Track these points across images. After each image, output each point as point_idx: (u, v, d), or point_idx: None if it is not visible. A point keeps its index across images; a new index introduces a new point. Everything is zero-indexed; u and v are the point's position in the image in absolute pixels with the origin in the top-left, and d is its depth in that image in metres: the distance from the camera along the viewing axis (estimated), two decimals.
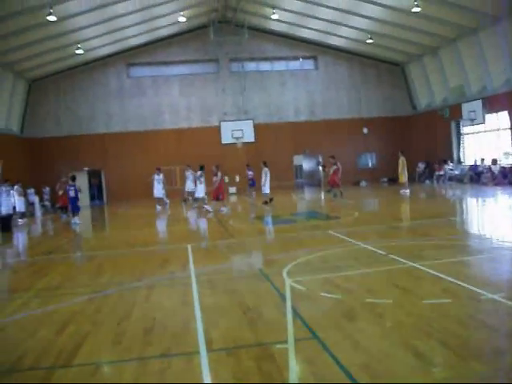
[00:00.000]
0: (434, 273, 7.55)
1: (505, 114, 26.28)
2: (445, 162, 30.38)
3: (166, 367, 4.69)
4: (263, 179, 22.69)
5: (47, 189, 29.57)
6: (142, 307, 6.95)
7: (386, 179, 34.55)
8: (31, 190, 27.56)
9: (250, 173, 25.73)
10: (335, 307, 6.29)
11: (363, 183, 34.28)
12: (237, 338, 5.26)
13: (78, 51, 28.98)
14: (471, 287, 6.60)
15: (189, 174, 25.44)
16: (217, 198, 20.57)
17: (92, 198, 33.41)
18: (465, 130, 30.81)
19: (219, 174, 20.65)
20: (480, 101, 27.16)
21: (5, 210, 20.54)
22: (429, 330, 5.17)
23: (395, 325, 5.48)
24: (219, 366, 4.61)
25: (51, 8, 22.45)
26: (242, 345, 5.06)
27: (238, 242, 12.38)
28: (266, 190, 22.63)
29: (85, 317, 6.64)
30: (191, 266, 9.58)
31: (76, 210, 19.48)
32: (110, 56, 33.20)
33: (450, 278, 7.13)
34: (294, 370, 4.41)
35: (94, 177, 33.72)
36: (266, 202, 22.31)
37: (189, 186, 25.20)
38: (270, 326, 5.49)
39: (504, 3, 23.10)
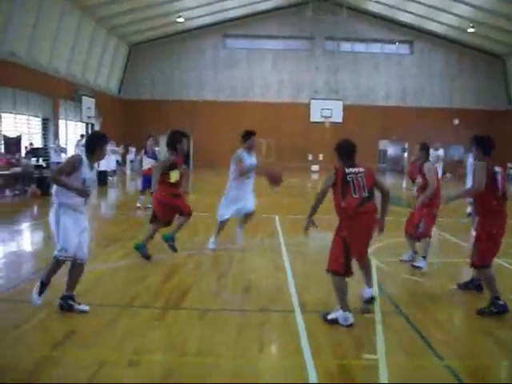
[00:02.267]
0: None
1: None
2: None
3: (265, 320, 5.29)
4: None
5: (133, 149, 30.37)
6: (238, 267, 7.60)
7: None
8: (132, 149, 28.42)
9: None
10: (418, 289, 6.67)
11: (447, 176, 33.65)
12: (327, 303, 5.75)
13: (178, 19, 29.94)
14: None
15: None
16: None
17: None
18: None
19: None
20: None
21: (104, 166, 21.14)
22: (509, 322, 5.47)
23: (474, 312, 5.78)
24: (313, 326, 5.14)
25: None
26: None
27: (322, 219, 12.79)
28: None
29: (187, 270, 7.36)
30: (280, 234, 10.19)
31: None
32: (207, 26, 34.04)
33: None
34: (381, 337, 4.87)
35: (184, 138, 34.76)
36: None
37: None
38: (356, 297, 5.93)
39: None
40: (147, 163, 13.06)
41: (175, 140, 7.76)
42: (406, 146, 33.46)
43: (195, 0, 28.90)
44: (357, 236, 5.31)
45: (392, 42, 34.79)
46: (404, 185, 24.56)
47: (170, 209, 7.68)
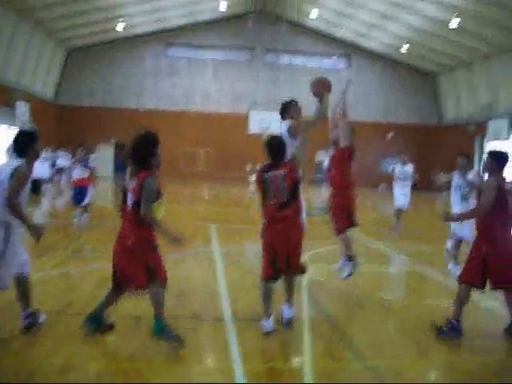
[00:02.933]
0: (438, 276, 8.20)
1: None
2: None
3: (197, 326, 5.42)
4: None
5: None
6: (171, 275, 7.66)
7: None
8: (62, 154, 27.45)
9: None
10: (348, 299, 6.96)
11: (382, 187, 34.64)
12: (259, 312, 5.91)
13: (119, 26, 29.71)
14: None
15: None
16: None
17: (116, 169, 34.20)
18: (488, 146, 31.07)
19: None
20: (507, 119, 27.51)
21: (37, 174, 20.43)
22: (428, 325, 5.82)
23: (400, 318, 6.12)
24: (243, 333, 5.30)
25: None
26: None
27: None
28: None
29: None
30: (215, 243, 10.33)
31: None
32: (149, 34, 33.90)
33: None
34: (309, 343, 5.09)
35: (121, 149, 34.47)
36: None
37: None
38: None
39: None
40: (78, 174, 11.93)
41: (147, 151, 5.15)
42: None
43: (137, 7, 28.77)
44: (277, 244, 5.18)
45: (330, 56, 35.71)
46: None
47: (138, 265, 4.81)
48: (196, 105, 34.57)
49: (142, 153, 5.06)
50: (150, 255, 4.80)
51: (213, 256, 9.18)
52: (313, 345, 5.05)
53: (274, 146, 5.29)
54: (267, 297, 5.30)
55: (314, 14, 30.45)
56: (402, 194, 13.20)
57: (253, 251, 9.39)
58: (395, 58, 35.28)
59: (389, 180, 34.07)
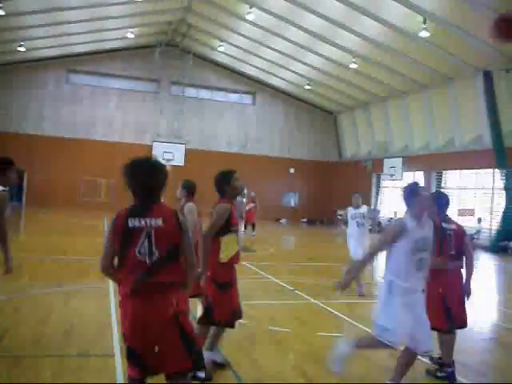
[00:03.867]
0: (331, 310, 8.44)
1: (420, 174, 28.24)
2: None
3: (84, 365, 5.19)
4: None
5: None
6: (60, 311, 7.36)
7: (305, 219, 35.91)
8: None
9: None
10: (239, 330, 6.96)
11: (283, 221, 35.41)
12: None
13: (20, 48, 28.66)
14: (362, 326, 7.44)
15: None
16: None
17: (10, 197, 32.56)
18: (384, 183, 32.66)
19: None
20: (400, 158, 29.14)
21: None
22: (318, 357, 5.94)
23: (290, 351, 6.23)
24: None
25: (1, 2, 22.37)
26: None
27: None
28: None
29: (5, 315, 6.94)
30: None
31: None
32: (51, 58, 32.91)
33: (344, 316, 8.03)
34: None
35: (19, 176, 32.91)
36: None
37: None
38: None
39: (431, 74, 25.20)
40: None
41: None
42: (245, 191, 34.55)
43: (39, 30, 27.89)
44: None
45: (236, 91, 36.37)
46: (242, 229, 25.41)
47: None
48: (98, 134, 33.76)
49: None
50: None
51: (107, 291, 8.91)
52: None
53: (137, 172, 3.69)
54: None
55: (221, 49, 31.03)
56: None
57: None
58: (298, 96, 36.50)
59: (288, 215, 34.98)
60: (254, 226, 22.38)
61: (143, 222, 3.55)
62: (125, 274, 3.52)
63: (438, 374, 5.56)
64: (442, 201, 5.72)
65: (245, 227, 22.18)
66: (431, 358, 5.78)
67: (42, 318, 6.89)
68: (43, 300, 7.95)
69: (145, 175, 3.65)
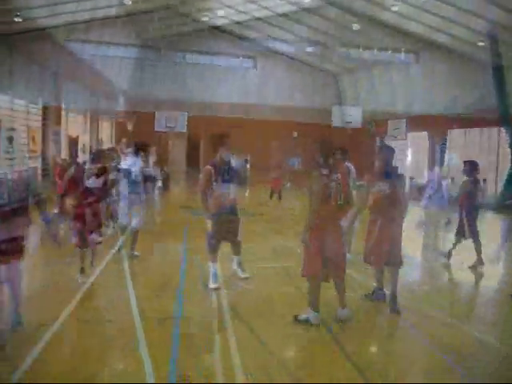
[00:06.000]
0: None
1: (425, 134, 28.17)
2: None
3: None
4: None
5: None
6: None
7: None
8: None
9: None
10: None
11: (287, 185, 35.15)
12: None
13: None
14: None
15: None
16: None
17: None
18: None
19: None
20: (404, 119, 28.99)
21: None
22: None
23: None
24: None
25: None
26: None
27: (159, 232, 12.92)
28: None
29: None
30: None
31: None
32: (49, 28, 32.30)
33: None
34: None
35: None
36: None
37: None
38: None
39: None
40: None
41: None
42: (248, 157, 34.17)
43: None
44: None
45: (236, 56, 35.96)
46: (247, 194, 25.32)
47: None
48: None
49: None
50: None
51: None
52: None
53: None
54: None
55: (220, 13, 30.64)
56: None
57: None
58: (302, 60, 36.29)
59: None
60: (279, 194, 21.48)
61: None
62: None
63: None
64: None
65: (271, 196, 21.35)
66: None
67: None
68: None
69: None
